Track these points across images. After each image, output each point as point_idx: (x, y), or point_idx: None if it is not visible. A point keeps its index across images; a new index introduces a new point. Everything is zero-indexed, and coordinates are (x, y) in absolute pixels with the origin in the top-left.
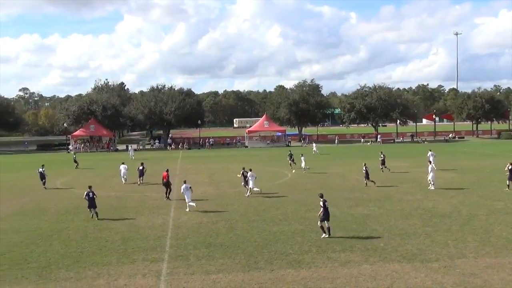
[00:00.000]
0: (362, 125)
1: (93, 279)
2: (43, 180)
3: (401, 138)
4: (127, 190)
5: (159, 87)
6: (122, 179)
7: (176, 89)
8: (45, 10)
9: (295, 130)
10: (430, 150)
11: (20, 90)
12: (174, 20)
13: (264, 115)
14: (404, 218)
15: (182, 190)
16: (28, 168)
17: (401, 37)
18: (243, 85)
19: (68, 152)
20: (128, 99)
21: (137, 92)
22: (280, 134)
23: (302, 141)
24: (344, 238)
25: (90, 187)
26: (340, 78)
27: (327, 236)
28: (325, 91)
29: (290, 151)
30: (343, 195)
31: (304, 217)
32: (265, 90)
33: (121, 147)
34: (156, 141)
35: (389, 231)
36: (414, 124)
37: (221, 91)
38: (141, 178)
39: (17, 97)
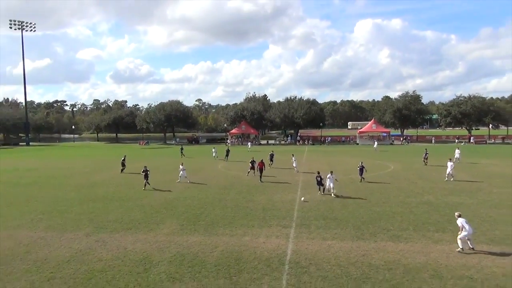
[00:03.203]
0: (457, 128)
1: (241, 236)
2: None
3: (493, 140)
4: (265, 173)
5: (292, 97)
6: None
7: (304, 99)
8: (215, 44)
9: (398, 132)
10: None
11: (196, 100)
12: (306, 47)
13: (373, 119)
14: (494, 207)
15: (327, 180)
16: (201, 154)
17: (498, 54)
18: (357, 95)
19: (226, 144)
20: (269, 107)
21: (275, 102)
22: (385, 134)
23: (404, 141)
24: (438, 220)
25: (145, 166)
26: (439, 90)
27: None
28: (425, 100)
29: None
30: (438, 185)
31: (404, 202)
32: (374, 100)
33: (263, 141)
34: (288, 138)
35: (479, 217)
36: (506, 128)
37: (338, 101)
38: (271, 163)
39: (194, 105)
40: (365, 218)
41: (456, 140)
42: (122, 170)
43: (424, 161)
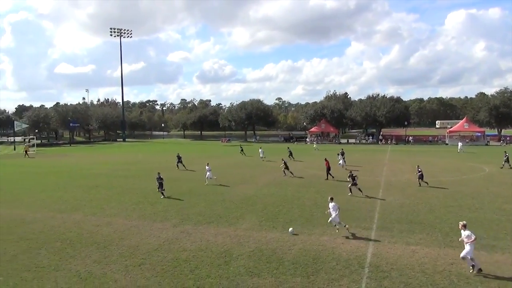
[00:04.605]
0: None
1: (319, 236)
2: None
3: None
4: (345, 172)
5: (374, 95)
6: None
7: (387, 97)
8: (296, 43)
9: (494, 131)
10: None
11: (276, 99)
12: (391, 43)
13: (465, 118)
14: None
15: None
16: (279, 153)
17: None
18: (446, 92)
19: (306, 143)
20: (349, 105)
21: (356, 100)
22: (479, 134)
23: (501, 141)
24: None
25: (158, 173)
26: None
27: None
28: None
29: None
30: None
31: (500, 208)
32: (466, 97)
33: (343, 140)
34: (369, 137)
35: None
36: None
37: (425, 98)
38: (344, 162)
39: (274, 104)
40: (454, 224)
41: None
42: (178, 165)
43: (505, 165)
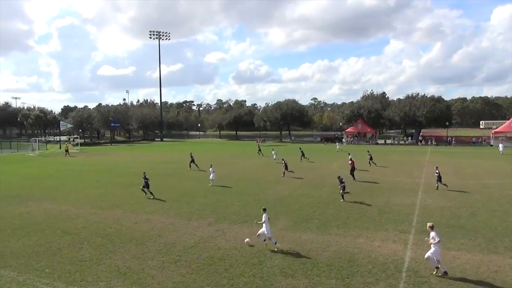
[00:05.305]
0: None
1: (355, 238)
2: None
3: None
4: (382, 173)
5: (413, 95)
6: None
7: (428, 96)
8: (332, 42)
9: None
10: None
11: (311, 99)
12: (432, 40)
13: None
14: None
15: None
16: (317, 152)
17: None
18: (492, 91)
19: (342, 144)
20: (387, 105)
21: (395, 99)
22: None
23: None
24: None
25: (144, 173)
26: None
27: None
28: None
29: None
30: None
31: None
32: None
33: (380, 141)
34: (408, 137)
35: None
36: None
37: (469, 97)
38: (370, 162)
39: (309, 104)
40: (499, 229)
41: None
42: (196, 165)
43: None
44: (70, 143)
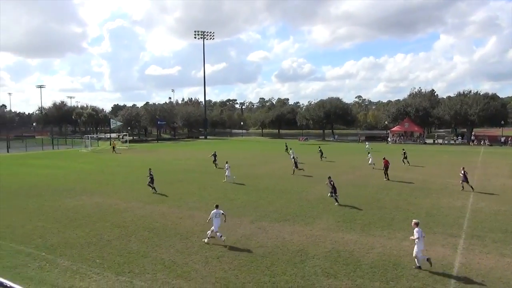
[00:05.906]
0: None
1: (400, 240)
2: None
3: None
4: (431, 174)
5: (465, 92)
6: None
7: (481, 93)
8: (378, 38)
9: None
10: None
11: (356, 97)
12: (487, 34)
13: None
14: None
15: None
16: (357, 152)
17: None
18: None
19: (387, 143)
20: (436, 103)
21: (444, 97)
22: None
23: None
24: None
25: (150, 169)
26: None
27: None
28: None
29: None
30: None
31: None
32: None
33: (429, 140)
34: (459, 137)
35: None
36: None
37: None
38: (404, 161)
39: (353, 102)
40: None
41: None
42: (215, 164)
43: None
44: (118, 140)
